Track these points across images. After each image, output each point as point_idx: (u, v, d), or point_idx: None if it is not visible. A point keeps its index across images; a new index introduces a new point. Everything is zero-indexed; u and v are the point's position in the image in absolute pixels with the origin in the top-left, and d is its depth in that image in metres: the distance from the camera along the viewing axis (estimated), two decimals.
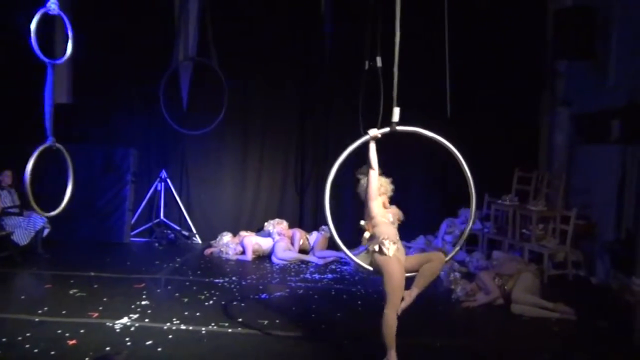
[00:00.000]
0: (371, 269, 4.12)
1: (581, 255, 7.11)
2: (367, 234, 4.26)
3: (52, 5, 4.36)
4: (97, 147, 8.43)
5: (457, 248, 4.39)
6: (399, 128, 4.08)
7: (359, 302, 5.74)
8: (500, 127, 8.27)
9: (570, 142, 7.95)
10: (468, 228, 4.31)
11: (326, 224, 8.43)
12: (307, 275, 6.87)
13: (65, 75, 8.36)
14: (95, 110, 8.52)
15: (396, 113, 4.08)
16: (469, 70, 7.80)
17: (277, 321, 5.09)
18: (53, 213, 4.76)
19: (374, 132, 4.10)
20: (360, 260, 4.20)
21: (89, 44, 8.21)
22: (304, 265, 7.37)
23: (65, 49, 4.67)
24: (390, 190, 4.37)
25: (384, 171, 4.42)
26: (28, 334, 4.52)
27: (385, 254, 3.99)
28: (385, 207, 4.30)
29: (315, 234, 8.00)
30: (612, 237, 6.74)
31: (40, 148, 4.58)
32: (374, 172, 4.16)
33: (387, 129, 4.11)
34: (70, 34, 4.58)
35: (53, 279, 6.37)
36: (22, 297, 5.63)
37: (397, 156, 8.26)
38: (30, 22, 4.27)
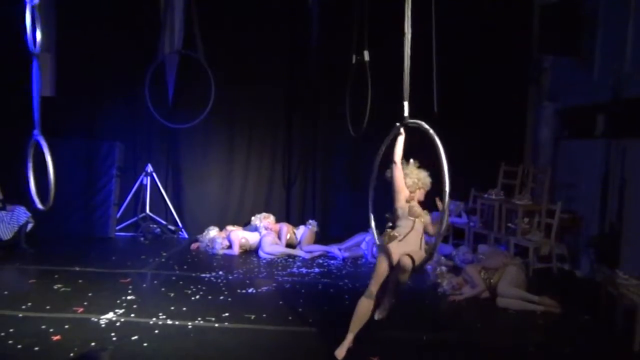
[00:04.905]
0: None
1: (566, 249, 7.18)
2: (389, 223, 4.30)
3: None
4: (82, 140, 8.34)
5: (425, 259, 4.23)
6: (409, 121, 4.12)
7: (346, 297, 5.75)
8: (486, 121, 8.31)
9: (555, 137, 8.01)
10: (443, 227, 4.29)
11: (313, 218, 8.45)
12: (294, 270, 6.87)
13: (49, 68, 8.24)
14: (80, 103, 8.42)
15: (406, 107, 4.12)
16: (456, 65, 7.81)
17: (264, 315, 5.08)
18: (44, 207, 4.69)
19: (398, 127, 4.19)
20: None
21: (73, 36, 8.13)
22: (291, 260, 7.36)
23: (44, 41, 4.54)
24: (423, 185, 4.34)
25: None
26: (11, 330, 4.47)
27: (381, 243, 4.10)
28: (409, 200, 4.29)
29: (302, 228, 8.00)
30: (596, 231, 6.81)
31: (32, 143, 4.53)
32: (397, 166, 4.22)
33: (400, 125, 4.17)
34: (38, 24, 4.44)
35: (37, 274, 6.29)
36: (6, 292, 5.54)
37: (385, 153, 8.28)
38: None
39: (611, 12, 6.76)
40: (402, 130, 4.19)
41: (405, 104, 4.10)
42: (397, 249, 4.11)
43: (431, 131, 3.83)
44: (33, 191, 4.51)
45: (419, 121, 4.00)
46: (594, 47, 6.98)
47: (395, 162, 4.23)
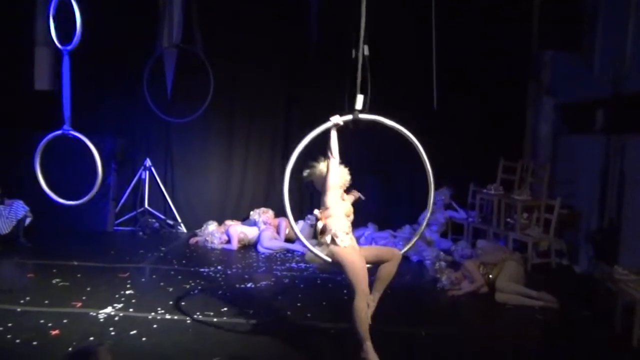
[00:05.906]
0: (329, 259, 3.99)
1: (564, 244, 7.18)
2: (320, 224, 4.13)
3: None
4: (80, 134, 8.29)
5: (411, 243, 4.31)
6: (361, 116, 4.04)
7: (345, 291, 5.73)
8: (485, 117, 8.29)
9: (555, 132, 8.00)
10: (425, 223, 4.31)
11: (312, 213, 8.40)
12: (293, 264, 6.87)
13: (46, 61, 8.21)
14: (77, 97, 8.37)
15: (359, 100, 4.04)
16: (455, 61, 7.76)
17: (263, 310, 5.09)
18: (78, 202, 4.72)
19: (336, 119, 4.04)
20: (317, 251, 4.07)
21: (71, 30, 8.07)
22: (289, 255, 7.35)
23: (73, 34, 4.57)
24: (347, 181, 4.26)
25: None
26: (10, 324, 4.46)
27: (339, 245, 3.95)
28: (342, 199, 4.20)
29: (301, 223, 7.99)
30: (595, 227, 6.81)
31: (52, 135, 4.54)
32: (334, 161, 4.05)
33: (349, 117, 4.06)
34: (78, 17, 4.48)
35: (35, 268, 6.28)
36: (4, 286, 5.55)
37: (382, 146, 8.26)
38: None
39: (611, 6, 6.73)
40: (340, 122, 4.03)
41: (360, 97, 4.04)
42: (356, 246, 4.07)
43: (403, 129, 3.78)
44: (44, 186, 4.50)
45: (385, 120, 3.88)
46: (594, 42, 6.95)
47: (333, 157, 4.04)
